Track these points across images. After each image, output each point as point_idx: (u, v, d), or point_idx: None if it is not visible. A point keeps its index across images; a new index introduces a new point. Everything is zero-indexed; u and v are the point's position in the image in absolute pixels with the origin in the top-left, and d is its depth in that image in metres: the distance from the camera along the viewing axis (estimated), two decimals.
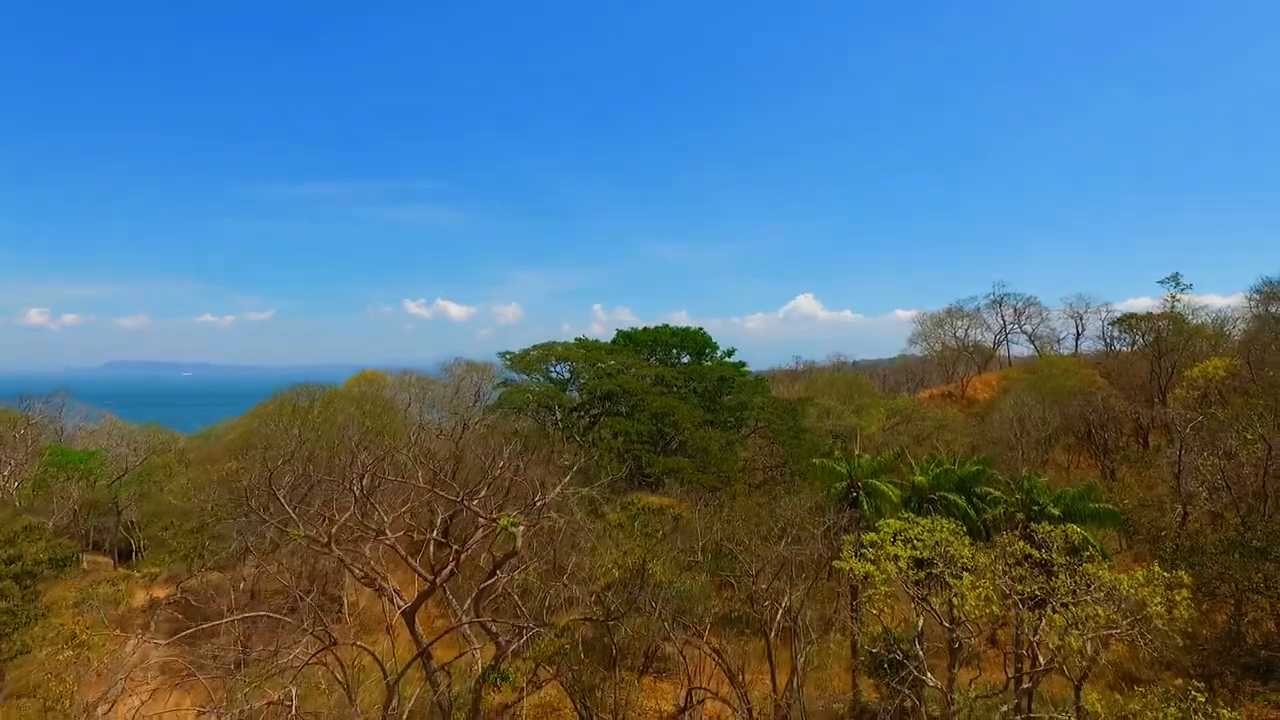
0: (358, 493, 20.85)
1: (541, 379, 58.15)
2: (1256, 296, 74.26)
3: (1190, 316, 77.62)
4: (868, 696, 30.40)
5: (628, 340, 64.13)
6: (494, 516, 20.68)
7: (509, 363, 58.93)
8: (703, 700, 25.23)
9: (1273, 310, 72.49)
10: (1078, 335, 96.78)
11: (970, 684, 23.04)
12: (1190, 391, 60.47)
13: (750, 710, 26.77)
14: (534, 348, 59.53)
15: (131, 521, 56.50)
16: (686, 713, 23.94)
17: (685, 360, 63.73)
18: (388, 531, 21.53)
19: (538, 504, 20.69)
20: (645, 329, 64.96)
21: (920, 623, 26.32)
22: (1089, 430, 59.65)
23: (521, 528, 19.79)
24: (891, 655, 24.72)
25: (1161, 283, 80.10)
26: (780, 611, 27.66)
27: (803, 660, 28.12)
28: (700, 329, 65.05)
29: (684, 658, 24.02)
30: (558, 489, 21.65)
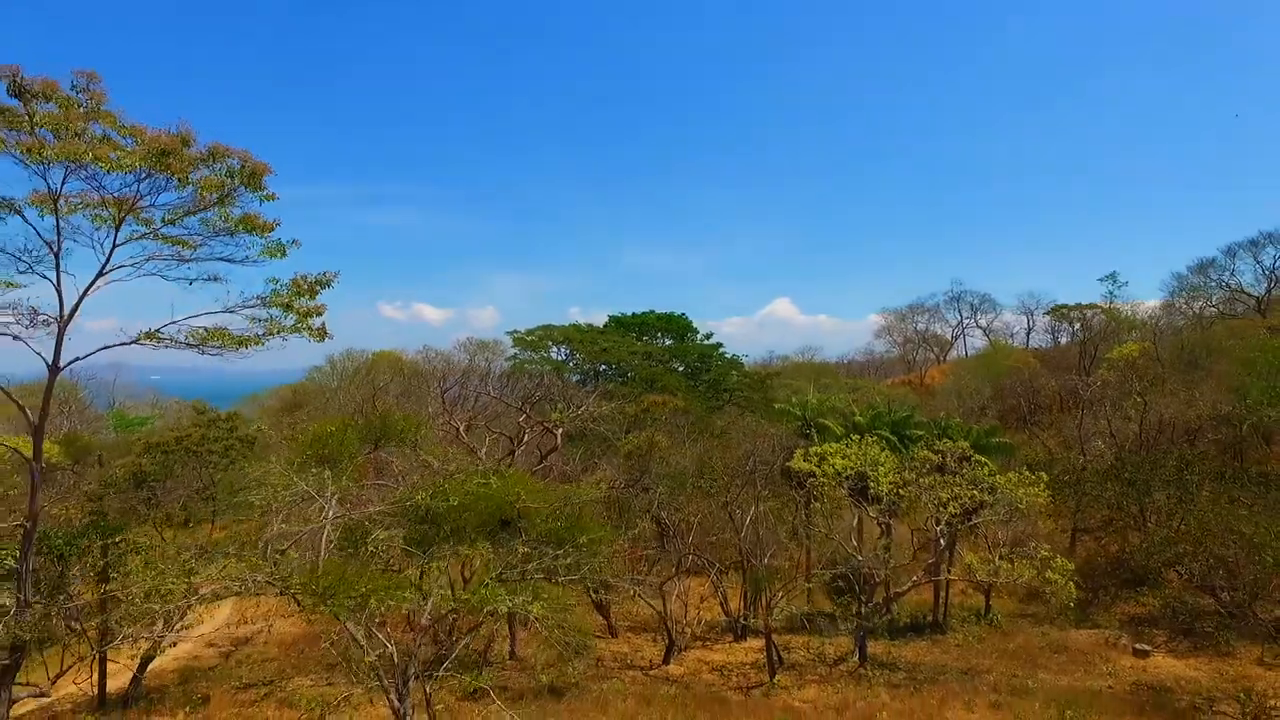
0: (449, 400, 28.81)
1: (545, 355, 66.29)
2: (1171, 287, 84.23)
3: (1129, 312, 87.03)
4: (819, 604, 38.66)
5: (618, 324, 72.58)
6: (542, 421, 28.73)
7: (515, 340, 67.00)
8: (685, 574, 33.25)
9: (1185, 301, 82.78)
10: (1028, 330, 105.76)
11: (888, 550, 31.27)
12: (1110, 372, 69.94)
13: (725, 594, 35.10)
14: (538, 327, 67.81)
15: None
16: (675, 580, 31.89)
17: (669, 342, 72.26)
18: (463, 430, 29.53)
19: (574, 413, 28.79)
20: (634, 314, 73.62)
21: (855, 519, 34.81)
22: (1020, 403, 69.04)
23: (562, 429, 27.83)
24: (833, 541, 32.96)
25: (1101, 280, 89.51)
26: (747, 521, 35.81)
27: (766, 561, 36.30)
28: (683, 314, 73.75)
29: (674, 533, 31.98)
30: (584, 407, 29.70)
